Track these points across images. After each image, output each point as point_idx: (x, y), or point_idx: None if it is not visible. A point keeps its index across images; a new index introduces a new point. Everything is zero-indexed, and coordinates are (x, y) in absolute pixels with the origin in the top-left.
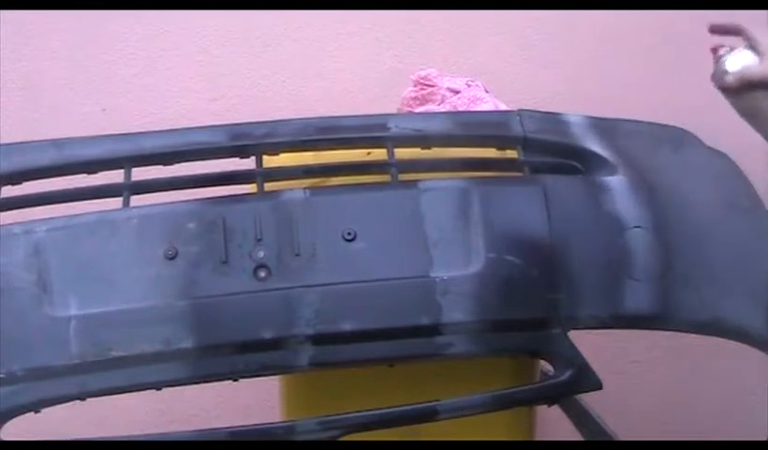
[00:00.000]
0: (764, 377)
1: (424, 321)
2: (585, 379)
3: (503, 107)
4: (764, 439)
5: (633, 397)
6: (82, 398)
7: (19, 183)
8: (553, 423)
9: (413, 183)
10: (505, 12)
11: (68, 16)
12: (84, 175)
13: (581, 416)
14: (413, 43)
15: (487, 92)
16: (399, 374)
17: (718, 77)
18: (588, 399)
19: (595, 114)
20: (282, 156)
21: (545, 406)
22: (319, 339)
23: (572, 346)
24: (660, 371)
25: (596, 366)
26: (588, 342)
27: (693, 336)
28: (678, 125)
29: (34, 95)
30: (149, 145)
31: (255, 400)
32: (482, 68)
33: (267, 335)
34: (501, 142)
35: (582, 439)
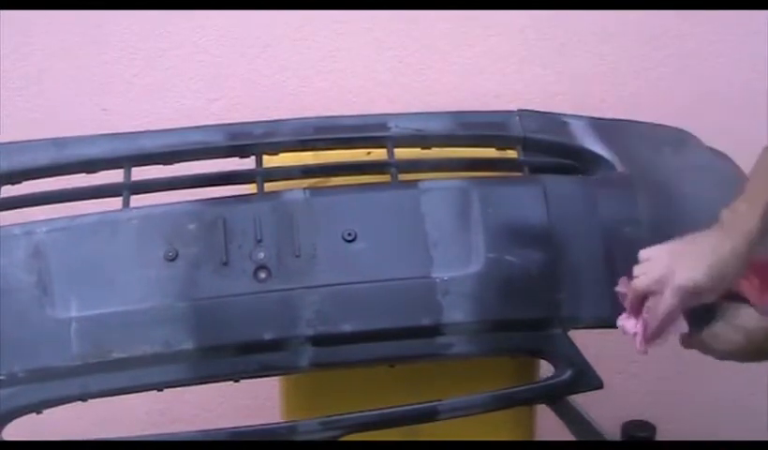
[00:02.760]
0: (764, 377)
1: (425, 321)
2: (586, 378)
3: None
4: (764, 439)
5: (633, 397)
6: (84, 400)
7: (18, 182)
8: (554, 423)
9: (413, 183)
10: (504, 12)
11: (68, 16)
12: (84, 175)
13: (575, 420)
14: (413, 43)
15: None
16: (400, 375)
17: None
18: (588, 399)
19: (595, 114)
20: (282, 155)
21: (545, 406)
22: (320, 340)
23: (573, 346)
24: (660, 371)
25: (596, 366)
26: (588, 342)
27: None
28: (678, 125)
29: (34, 95)
30: (149, 145)
31: (256, 400)
32: (482, 68)
33: (267, 336)
34: (501, 143)
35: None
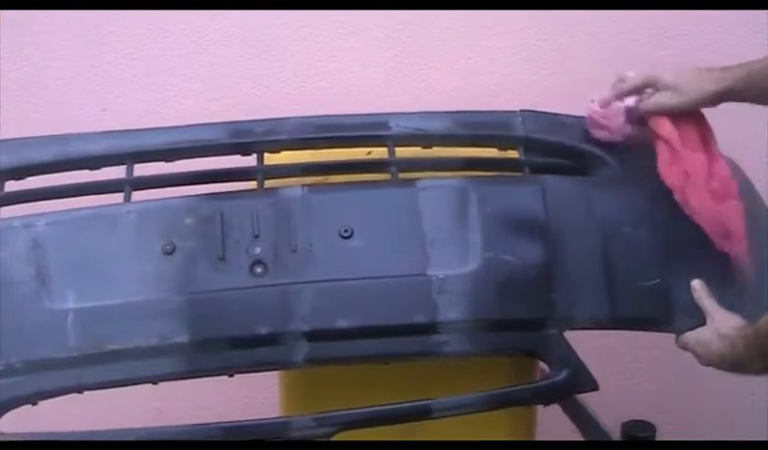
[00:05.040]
0: (764, 377)
1: (420, 319)
2: (581, 379)
3: None
4: (764, 439)
5: (633, 397)
6: (80, 391)
7: (22, 178)
8: (554, 423)
9: (411, 181)
10: (505, 12)
11: (68, 16)
12: (87, 172)
13: (579, 415)
14: (413, 43)
15: None
16: (399, 374)
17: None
18: (588, 399)
19: None
20: (283, 153)
21: (543, 406)
22: (315, 336)
23: (568, 346)
24: (660, 371)
25: (595, 366)
26: (588, 342)
27: None
28: None
29: (34, 95)
30: (151, 142)
31: (254, 399)
32: (482, 68)
33: (263, 330)
34: (503, 142)
35: (581, 438)
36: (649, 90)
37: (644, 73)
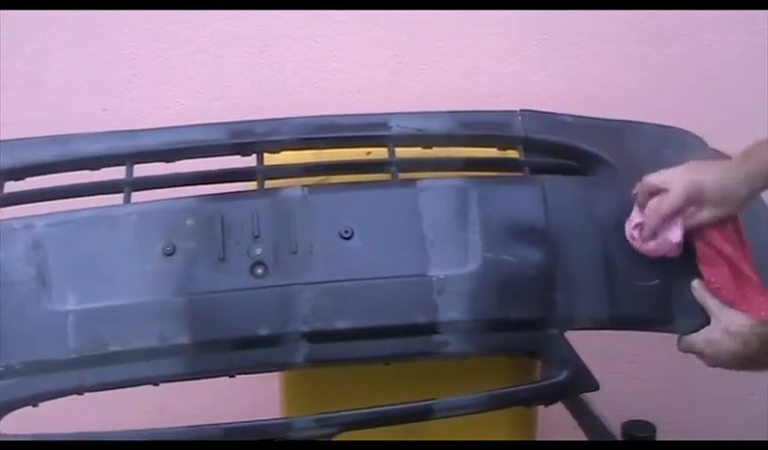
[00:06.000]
0: (764, 377)
1: (420, 319)
2: (582, 380)
3: None
4: (764, 439)
5: (633, 397)
6: (80, 393)
7: (21, 179)
8: (554, 423)
9: (411, 181)
10: (504, 12)
11: (68, 16)
12: (86, 172)
13: (582, 414)
14: (413, 43)
15: None
16: (401, 375)
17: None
18: (587, 399)
19: (595, 115)
20: (283, 154)
21: (543, 406)
22: (315, 337)
23: (569, 347)
24: (660, 371)
25: (595, 365)
26: (587, 342)
27: None
28: (678, 126)
29: (34, 95)
30: (151, 142)
31: (256, 400)
32: (482, 68)
33: (263, 332)
34: (502, 143)
35: (584, 437)
36: (692, 208)
37: (687, 188)
